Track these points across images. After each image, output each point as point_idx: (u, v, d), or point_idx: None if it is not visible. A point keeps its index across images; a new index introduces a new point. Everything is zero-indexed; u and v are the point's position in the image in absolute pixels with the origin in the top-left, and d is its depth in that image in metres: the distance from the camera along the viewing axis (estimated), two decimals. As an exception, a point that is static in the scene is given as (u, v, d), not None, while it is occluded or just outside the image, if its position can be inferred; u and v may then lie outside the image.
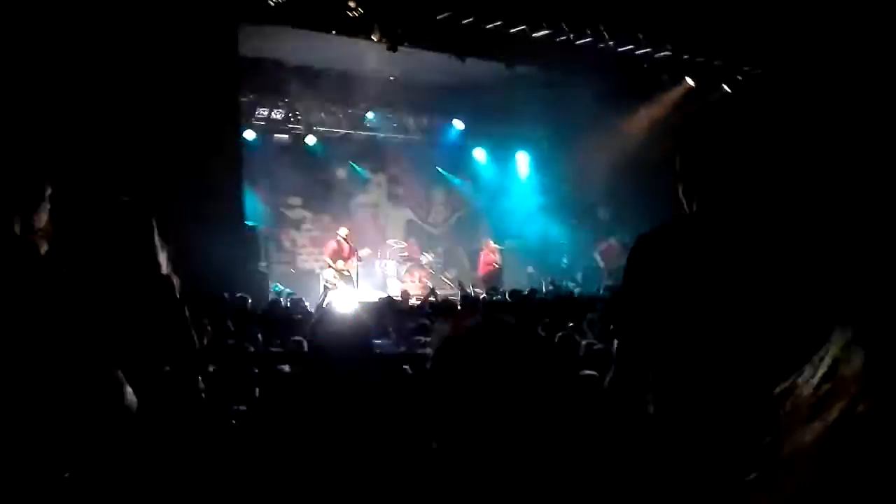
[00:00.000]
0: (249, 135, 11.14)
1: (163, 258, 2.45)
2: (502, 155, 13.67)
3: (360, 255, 11.20)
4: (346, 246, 11.07)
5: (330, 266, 10.95)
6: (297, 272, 11.28)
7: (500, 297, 8.08)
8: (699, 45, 9.90)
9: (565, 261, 12.56)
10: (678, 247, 1.66)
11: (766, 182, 1.64)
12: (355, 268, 11.19)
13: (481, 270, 11.94)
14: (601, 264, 12.24)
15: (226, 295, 6.66)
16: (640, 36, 9.84)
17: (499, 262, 11.93)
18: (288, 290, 9.48)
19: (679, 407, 1.58)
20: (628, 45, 10.15)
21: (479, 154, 13.56)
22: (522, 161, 13.82)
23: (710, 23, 9.07)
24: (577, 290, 10.22)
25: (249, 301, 6.88)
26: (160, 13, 7.28)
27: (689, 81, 11.06)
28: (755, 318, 1.50)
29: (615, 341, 1.88)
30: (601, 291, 8.66)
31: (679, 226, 1.72)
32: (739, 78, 10.81)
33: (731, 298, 1.54)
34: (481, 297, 8.60)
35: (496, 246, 12.05)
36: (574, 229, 12.71)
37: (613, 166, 11.91)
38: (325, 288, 10.22)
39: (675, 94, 11.26)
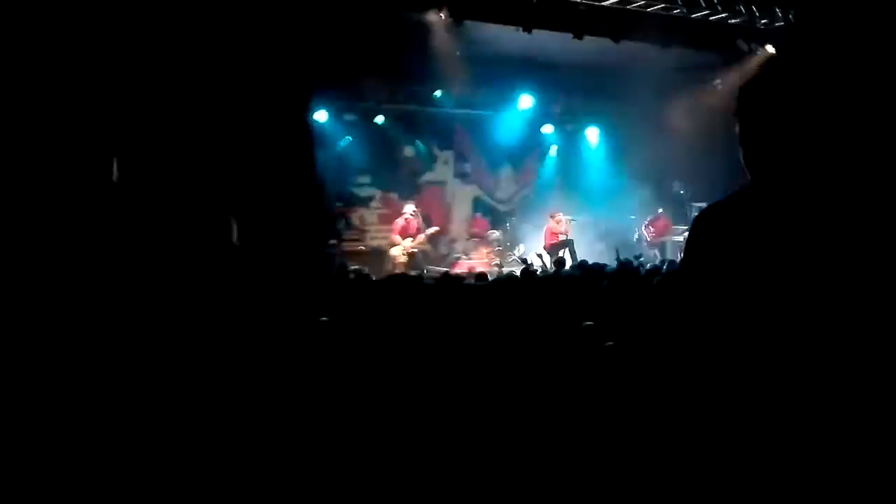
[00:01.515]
0: (321, 116, 11.34)
1: (234, 230, 2.58)
2: (572, 130, 13.46)
3: (428, 232, 11.30)
4: (413, 223, 11.19)
5: (398, 244, 11.11)
6: (368, 250, 11.46)
7: (565, 269, 8.00)
8: (776, 8, 9.37)
9: (637, 236, 12.31)
10: (736, 220, 1.59)
11: (828, 149, 1.55)
12: (424, 244, 11.31)
13: (547, 242, 11.85)
14: (648, 238, 12.05)
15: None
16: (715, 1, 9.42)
17: (566, 232, 11.80)
18: (357, 268, 9.64)
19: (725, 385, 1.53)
20: (702, 10, 9.74)
21: (548, 129, 13.38)
22: (593, 136, 13.56)
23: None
24: (647, 265, 10.00)
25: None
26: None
27: (770, 48, 10.55)
28: (811, 299, 1.43)
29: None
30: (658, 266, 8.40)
31: (740, 198, 1.64)
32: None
33: (785, 278, 1.47)
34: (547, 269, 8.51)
35: (565, 217, 11.92)
36: (647, 204, 12.43)
37: (689, 140, 11.53)
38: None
39: (753, 62, 10.75)
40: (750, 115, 1.64)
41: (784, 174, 1.56)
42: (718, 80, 11.26)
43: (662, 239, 12.20)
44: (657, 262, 9.82)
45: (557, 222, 11.86)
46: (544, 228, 12.01)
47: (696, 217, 1.69)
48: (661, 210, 12.38)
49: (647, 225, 12.39)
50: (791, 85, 1.62)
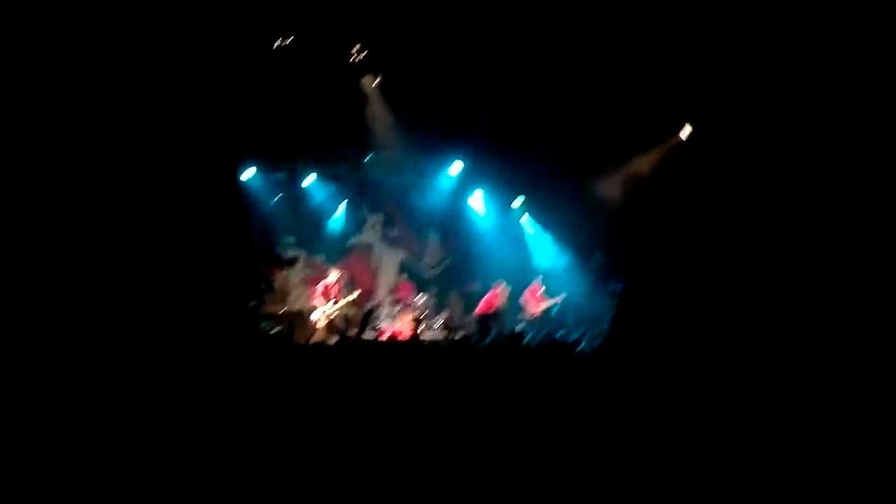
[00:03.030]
0: (249, 173, 11.20)
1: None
2: (500, 198, 13.69)
3: (351, 297, 11.15)
4: (334, 289, 11.08)
5: (319, 308, 10.93)
6: (288, 312, 11.19)
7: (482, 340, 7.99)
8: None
9: (558, 306, 12.47)
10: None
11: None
12: (347, 309, 11.14)
13: (480, 309, 11.83)
14: (528, 308, 11.91)
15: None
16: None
17: (501, 305, 11.81)
18: (277, 331, 9.38)
19: None
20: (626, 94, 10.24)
21: (477, 197, 13.59)
22: (520, 205, 13.84)
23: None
24: (570, 337, 10.11)
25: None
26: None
27: (687, 129, 11.14)
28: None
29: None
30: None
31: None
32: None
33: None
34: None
35: (506, 289, 11.91)
36: (571, 275, 12.67)
37: (611, 212, 11.95)
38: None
39: (668, 145, 11.34)
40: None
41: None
42: (636, 159, 11.75)
43: (538, 307, 12.04)
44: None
45: (495, 295, 11.85)
46: (486, 295, 11.97)
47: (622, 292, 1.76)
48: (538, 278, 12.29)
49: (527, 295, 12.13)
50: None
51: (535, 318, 11.76)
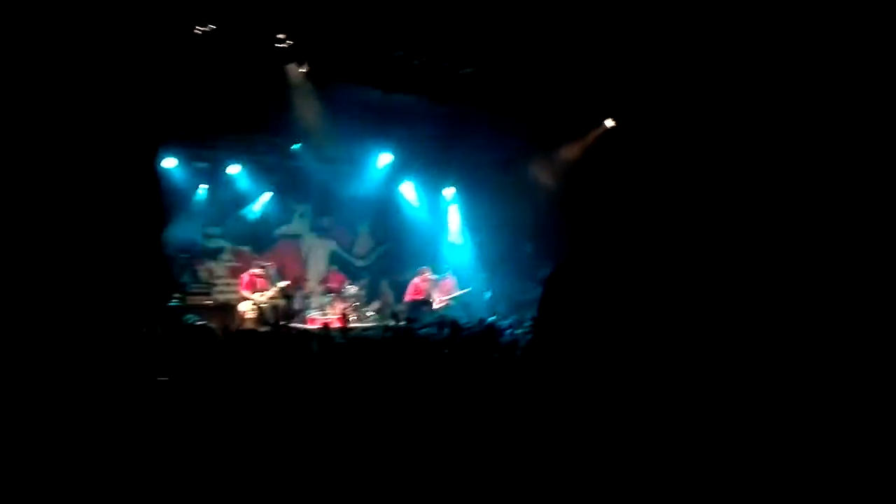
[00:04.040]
0: (170, 163, 10.85)
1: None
2: (431, 188, 13.75)
3: (279, 286, 11.01)
4: (259, 280, 10.91)
5: (247, 299, 10.75)
6: (214, 304, 10.94)
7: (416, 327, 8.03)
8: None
9: (489, 294, 12.65)
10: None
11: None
12: (276, 299, 10.98)
13: (408, 296, 11.89)
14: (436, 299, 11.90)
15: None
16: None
17: (429, 292, 11.88)
18: (202, 323, 9.14)
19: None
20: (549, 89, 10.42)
21: (408, 187, 13.60)
22: (450, 195, 13.94)
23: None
24: (501, 323, 10.27)
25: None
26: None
27: (609, 122, 11.46)
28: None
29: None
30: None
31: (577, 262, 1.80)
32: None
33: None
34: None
35: (432, 276, 12.00)
36: (501, 263, 12.85)
37: (538, 203, 12.17)
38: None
39: (592, 135, 11.64)
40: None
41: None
42: (563, 150, 11.99)
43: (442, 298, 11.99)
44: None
45: (423, 280, 11.92)
46: (410, 283, 12.04)
47: (548, 277, 1.81)
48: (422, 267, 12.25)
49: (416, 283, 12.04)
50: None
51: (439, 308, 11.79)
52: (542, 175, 12.28)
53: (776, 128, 7.65)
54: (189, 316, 9.60)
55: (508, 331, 7.35)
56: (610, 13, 8.10)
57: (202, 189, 11.53)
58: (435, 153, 12.57)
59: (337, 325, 10.18)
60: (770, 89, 7.67)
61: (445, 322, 7.59)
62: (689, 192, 8.60)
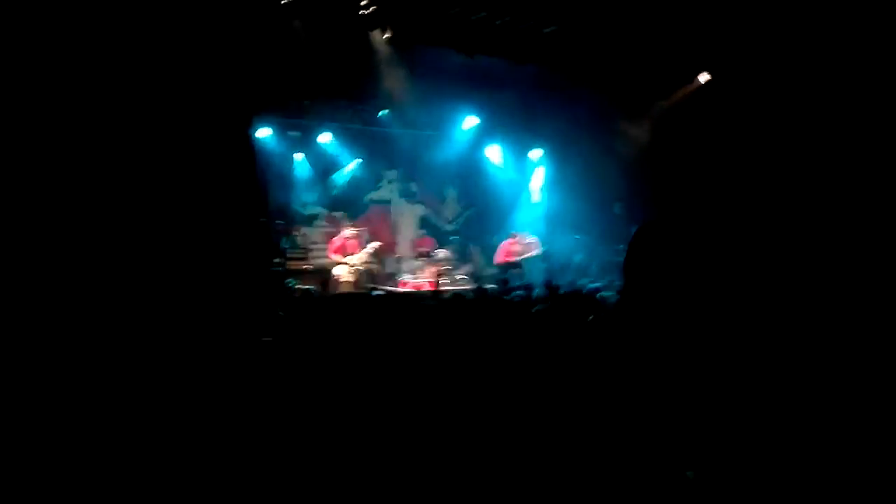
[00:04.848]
0: (264, 132, 11.25)
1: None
2: (517, 151, 13.68)
3: (370, 247, 11.30)
4: (351, 244, 11.20)
5: (341, 263, 11.08)
6: (312, 268, 11.37)
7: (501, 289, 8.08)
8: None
9: (580, 256, 12.54)
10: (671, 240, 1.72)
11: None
12: (370, 262, 11.29)
13: (498, 259, 12.00)
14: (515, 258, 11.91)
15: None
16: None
17: (521, 253, 11.92)
18: (303, 287, 9.55)
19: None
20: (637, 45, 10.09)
21: (494, 150, 13.59)
22: (537, 157, 13.83)
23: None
24: (591, 286, 10.19)
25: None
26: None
27: (702, 77, 11.01)
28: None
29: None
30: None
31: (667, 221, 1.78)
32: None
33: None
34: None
35: (524, 239, 12.03)
36: (590, 225, 12.70)
37: (627, 163, 11.91)
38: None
39: (686, 90, 11.22)
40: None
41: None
42: (655, 107, 11.63)
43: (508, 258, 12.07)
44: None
45: (512, 244, 11.99)
46: (499, 246, 12.13)
47: (633, 237, 1.81)
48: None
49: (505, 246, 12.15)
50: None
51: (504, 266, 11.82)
52: (631, 134, 11.98)
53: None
54: (290, 280, 10.04)
55: (598, 294, 7.31)
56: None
57: (299, 157, 11.90)
58: (520, 115, 12.47)
59: (428, 288, 10.39)
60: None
61: (534, 285, 7.62)
62: (780, 156, 8.18)
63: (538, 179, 13.84)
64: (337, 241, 11.33)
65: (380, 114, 12.07)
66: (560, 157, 13.29)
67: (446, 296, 6.97)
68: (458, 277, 11.78)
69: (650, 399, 1.73)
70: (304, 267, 11.16)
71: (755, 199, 8.11)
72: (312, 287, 9.09)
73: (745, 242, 1.75)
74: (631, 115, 11.86)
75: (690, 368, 1.68)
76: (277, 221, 11.29)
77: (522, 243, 12.04)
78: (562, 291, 6.58)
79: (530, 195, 13.83)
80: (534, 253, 11.98)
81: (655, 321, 1.73)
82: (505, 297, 6.80)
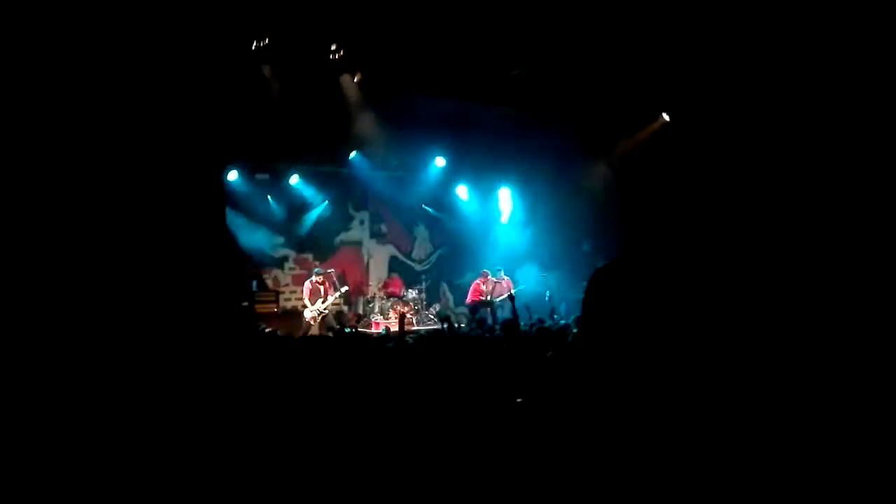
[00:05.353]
0: (231, 175, 11.25)
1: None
2: (485, 191, 13.84)
3: (339, 291, 11.25)
4: (320, 288, 11.15)
5: (309, 307, 11.01)
6: (281, 312, 11.28)
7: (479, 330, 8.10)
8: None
9: (548, 294, 12.62)
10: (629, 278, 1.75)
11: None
12: (338, 305, 11.25)
13: (470, 298, 12.00)
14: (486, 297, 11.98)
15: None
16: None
17: (491, 293, 11.96)
18: (270, 330, 9.44)
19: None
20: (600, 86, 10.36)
21: (462, 190, 13.72)
22: (505, 197, 14.00)
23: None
24: (561, 323, 10.25)
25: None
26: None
27: (665, 116, 11.32)
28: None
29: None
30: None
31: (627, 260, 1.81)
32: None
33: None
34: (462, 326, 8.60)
35: (493, 278, 12.06)
36: (558, 263, 12.81)
37: (594, 200, 12.10)
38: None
39: (649, 129, 11.51)
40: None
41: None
42: (620, 145, 11.90)
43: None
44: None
45: (483, 282, 12.02)
46: (472, 284, 12.15)
47: (592, 277, 1.84)
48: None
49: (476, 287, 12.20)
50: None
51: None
52: (596, 172, 12.21)
53: (842, 118, 7.41)
54: (259, 324, 9.93)
55: (563, 331, 7.35)
56: (654, 10, 8.04)
57: (268, 199, 11.90)
58: (489, 155, 12.65)
59: (398, 328, 10.35)
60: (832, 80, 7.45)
61: (495, 322, 7.61)
62: (743, 188, 8.41)
63: (506, 218, 13.99)
64: (307, 284, 11.27)
65: (350, 156, 12.16)
66: (528, 195, 13.47)
67: (413, 336, 6.96)
68: (429, 317, 11.76)
69: (605, 434, 1.74)
70: (273, 310, 11.08)
71: (718, 233, 8.29)
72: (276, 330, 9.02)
73: (707, 278, 1.79)
74: (596, 153, 12.10)
75: (643, 402, 1.69)
76: (247, 264, 11.23)
77: (493, 282, 12.09)
78: (523, 328, 6.61)
79: (499, 234, 13.96)
80: (505, 294, 12.03)
81: (610, 358, 1.75)
82: (471, 335, 6.81)
